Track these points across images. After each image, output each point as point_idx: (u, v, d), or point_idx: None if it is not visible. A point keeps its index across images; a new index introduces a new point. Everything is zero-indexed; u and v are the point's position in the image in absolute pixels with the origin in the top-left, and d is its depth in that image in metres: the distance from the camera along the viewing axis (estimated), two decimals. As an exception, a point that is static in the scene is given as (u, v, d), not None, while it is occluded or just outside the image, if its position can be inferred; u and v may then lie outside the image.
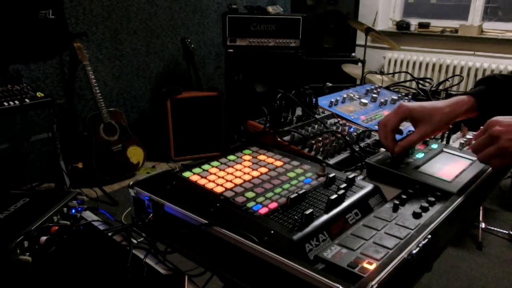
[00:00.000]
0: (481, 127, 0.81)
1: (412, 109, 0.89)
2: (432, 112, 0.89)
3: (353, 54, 3.98)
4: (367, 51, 3.50)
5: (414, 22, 4.38)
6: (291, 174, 0.85)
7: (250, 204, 0.73)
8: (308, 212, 0.67)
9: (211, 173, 0.85)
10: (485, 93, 0.95)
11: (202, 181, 0.81)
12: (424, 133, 0.90)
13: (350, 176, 0.81)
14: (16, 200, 0.89)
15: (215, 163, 0.89)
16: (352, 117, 1.25)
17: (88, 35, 3.12)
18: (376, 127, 1.19)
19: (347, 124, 1.18)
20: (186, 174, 0.84)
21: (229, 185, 0.80)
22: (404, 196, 0.77)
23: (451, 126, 1.01)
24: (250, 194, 0.76)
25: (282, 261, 0.58)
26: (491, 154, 0.78)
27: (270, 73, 3.57)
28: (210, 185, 0.80)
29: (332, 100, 1.32)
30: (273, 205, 0.73)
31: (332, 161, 0.98)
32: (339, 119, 1.23)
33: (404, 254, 0.61)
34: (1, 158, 2.78)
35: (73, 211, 0.89)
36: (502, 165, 0.78)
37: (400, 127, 0.94)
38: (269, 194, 0.77)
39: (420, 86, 1.61)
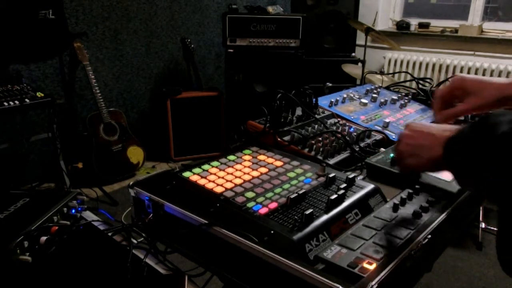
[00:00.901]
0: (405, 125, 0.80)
1: (465, 80, 0.85)
2: (485, 85, 0.83)
3: (353, 54, 3.98)
4: (367, 51, 3.50)
5: (414, 22, 4.38)
6: (291, 174, 0.85)
7: (250, 204, 0.73)
8: (308, 212, 0.67)
9: (211, 173, 0.85)
10: None
11: (202, 181, 0.81)
12: (471, 106, 0.84)
13: (350, 176, 0.81)
14: (16, 200, 0.89)
15: (215, 163, 0.89)
16: (352, 117, 1.25)
17: (88, 35, 3.12)
18: (377, 127, 1.19)
19: (347, 124, 1.18)
20: (186, 174, 0.84)
21: (229, 185, 0.80)
22: (404, 196, 0.77)
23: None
24: (250, 194, 0.76)
25: (282, 261, 0.58)
26: (396, 154, 0.78)
27: (270, 73, 3.57)
28: (210, 185, 0.80)
29: (332, 100, 1.32)
30: (273, 205, 0.73)
31: (332, 161, 0.98)
32: (339, 119, 1.23)
33: (404, 254, 0.61)
34: (1, 158, 2.78)
35: (73, 211, 0.89)
36: (405, 168, 0.76)
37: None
38: (269, 194, 0.77)
39: (420, 86, 1.61)
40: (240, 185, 0.80)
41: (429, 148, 0.69)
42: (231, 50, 3.48)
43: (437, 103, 0.88)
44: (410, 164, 0.74)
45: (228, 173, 0.85)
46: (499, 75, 3.81)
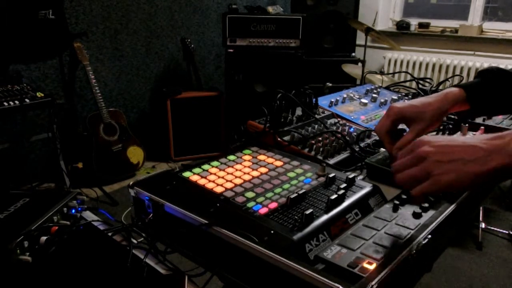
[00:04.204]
0: (415, 144, 0.69)
1: (403, 110, 0.88)
2: (422, 109, 0.88)
3: (353, 54, 3.98)
4: (367, 51, 3.50)
5: (414, 22, 4.38)
6: (291, 174, 0.85)
7: (250, 204, 0.73)
8: (308, 212, 0.67)
9: (211, 173, 0.85)
10: (476, 84, 0.93)
11: (202, 181, 0.81)
12: (418, 131, 0.87)
13: (350, 176, 0.81)
14: (16, 200, 0.89)
15: (215, 163, 0.89)
16: (352, 117, 1.25)
17: (88, 35, 3.12)
18: (376, 127, 1.19)
19: (347, 124, 1.18)
20: (186, 174, 0.84)
21: (229, 185, 0.80)
22: (404, 196, 0.77)
23: (445, 119, 1.02)
24: (250, 194, 0.76)
25: (282, 261, 0.58)
26: (412, 175, 0.66)
27: (270, 73, 3.57)
28: (210, 185, 0.80)
29: (332, 100, 1.32)
30: (273, 205, 0.73)
31: (332, 161, 0.98)
32: (339, 119, 1.23)
33: (404, 254, 0.61)
34: (1, 158, 2.78)
35: (73, 211, 0.89)
36: (422, 192, 0.65)
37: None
38: (269, 194, 0.77)
39: (420, 86, 1.61)
40: (240, 185, 0.80)
41: (477, 161, 0.61)
42: (231, 50, 3.48)
43: (386, 139, 0.89)
44: (447, 181, 0.63)
45: (228, 173, 0.85)
46: (499, 75, 3.80)
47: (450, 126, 1.13)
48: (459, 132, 1.10)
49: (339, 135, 1.07)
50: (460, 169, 0.62)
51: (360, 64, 3.68)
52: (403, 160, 0.69)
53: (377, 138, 1.12)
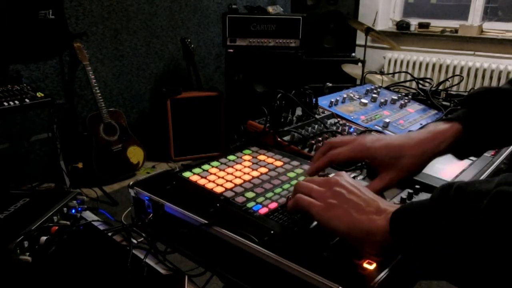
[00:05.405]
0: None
1: (374, 151, 0.70)
2: (400, 153, 0.69)
3: (353, 54, 3.98)
4: (367, 51, 3.50)
5: (414, 22, 4.38)
6: (291, 174, 0.85)
7: (250, 204, 0.73)
8: (308, 212, 0.67)
9: (211, 173, 0.85)
10: (473, 114, 0.73)
11: (202, 181, 0.81)
12: (388, 182, 0.71)
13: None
14: (16, 200, 0.89)
15: (215, 163, 0.89)
16: (352, 117, 1.25)
17: (88, 35, 3.12)
18: (377, 127, 1.19)
19: (347, 124, 1.18)
20: (186, 174, 0.84)
21: (229, 185, 0.80)
22: (404, 196, 0.77)
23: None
24: (250, 194, 0.76)
25: (282, 261, 0.58)
26: (314, 190, 0.63)
27: (270, 73, 3.57)
28: (210, 185, 0.80)
29: (332, 100, 1.32)
30: (273, 205, 0.73)
31: (332, 161, 0.97)
32: (339, 119, 1.23)
33: (404, 254, 0.61)
34: (1, 158, 2.78)
35: (73, 211, 0.89)
36: (296, 205, 0.63)
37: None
38: (269, 194, 0.77)
39: (420, 86, 1.61)
40: (240, 185, 0.80)
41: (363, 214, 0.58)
42: (231, 50, 3.48)
43: (321, 165, 0.76)
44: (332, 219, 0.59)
45: (228, 173, 0.85)
46: (499, 75, 3.81)
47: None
48: None
49: (339, 135, 1.07)
50: (346, 215, 0.59)
51: (360, 64, 3.68)
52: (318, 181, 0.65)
53: (377, 138, 1.12)
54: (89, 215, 0.92)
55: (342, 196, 0.60)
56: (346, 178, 0.64)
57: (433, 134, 0.71)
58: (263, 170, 0.87)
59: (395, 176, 0.66)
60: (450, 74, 3.99)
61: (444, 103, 1.44)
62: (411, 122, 1.28)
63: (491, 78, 3.85)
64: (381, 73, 3.85)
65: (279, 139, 1.03)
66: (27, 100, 2.38)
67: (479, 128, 0.72)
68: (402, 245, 0.54)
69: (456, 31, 4.08)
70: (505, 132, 0.72)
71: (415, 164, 0.69)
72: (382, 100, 1.39)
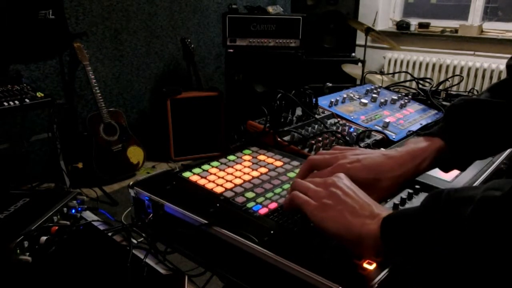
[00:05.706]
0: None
1: (352, 173, 0.67)
2: (378, 175, 0.68)
3: (353, 54, 3.98)
4: (367, 51, 3.50)
5: (414, 22, 4.38)
6: (291, 174, 0.85)
7: (250, 204, 0.73)
8: (308, 212, 0.67)
9: (211, 173, 0.85)
10: (454, 129, 0.73)
11: (202, 181, 0.81)
12: None
13: (350, 176, 0.81)
14: (16, 200, 0.89)
15: (215, 163, 0.89)
16: (352, 117, 1.25)
17: (88, 35, 3.12)
18: (377, 127, 1.19)
19: (347, 124, 1.18)
20: (186, 174, 0.84)
21: (229, 185, 0.80)
22: (404, 196, 0.77)
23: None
24: (250, 194, 0.76)
25: (282, 261, 0.58)
26: (310, 189, 0.64)
27: (270, 73, 3.57)
28: (210, 185, 0.80)
29: (332, 100, 1.32)
30: (273, 205, 0.73)
31: (332, 161, 0.97)
32: (339, 119, 1.23)
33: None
34: (1, 158, 2.78)
35: (73, 211, 0.89)
36: (292, 203, 0.64)
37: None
38: (269, 194, 0.77)
39: (420, 86, 1.61)
40: (240, 185, 0.80)
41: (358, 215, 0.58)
42: (231, 50, 3.48)
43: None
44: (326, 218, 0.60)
45: (228, 173, 0.85)
46: (499, 75, 3.81)
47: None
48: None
49: (339, 135, 1.07)
50: (341, 218, 0.59)
51: (360, 64, 3.68)
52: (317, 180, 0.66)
53: (377, 138, 1.12)
54: (89, 215, 0.92)
55: (337, 197, 0.61)
56: (344, 180, 0.64)
57: (413, 154, 0.71)
58: (263, 170, 0.87)
59: (375, 197, 0.65)
60: (450, 74, 3.99)
61: (444, 103, 1.44)
62: (411, 122, 1.28)
63: (491, 78, 3.85)
64: (381, 73, 3.85)
65: (279, 139, 1.03)
66: (27, 100, 2.38)
67: (461, 142, 0.72)
68: (393, 250, 0.55)
69: (456, 31, 4.08)
70: (488, 143, 0.73)
71: (394, 185, 0.70)
72: (382, 100, 1.39)
